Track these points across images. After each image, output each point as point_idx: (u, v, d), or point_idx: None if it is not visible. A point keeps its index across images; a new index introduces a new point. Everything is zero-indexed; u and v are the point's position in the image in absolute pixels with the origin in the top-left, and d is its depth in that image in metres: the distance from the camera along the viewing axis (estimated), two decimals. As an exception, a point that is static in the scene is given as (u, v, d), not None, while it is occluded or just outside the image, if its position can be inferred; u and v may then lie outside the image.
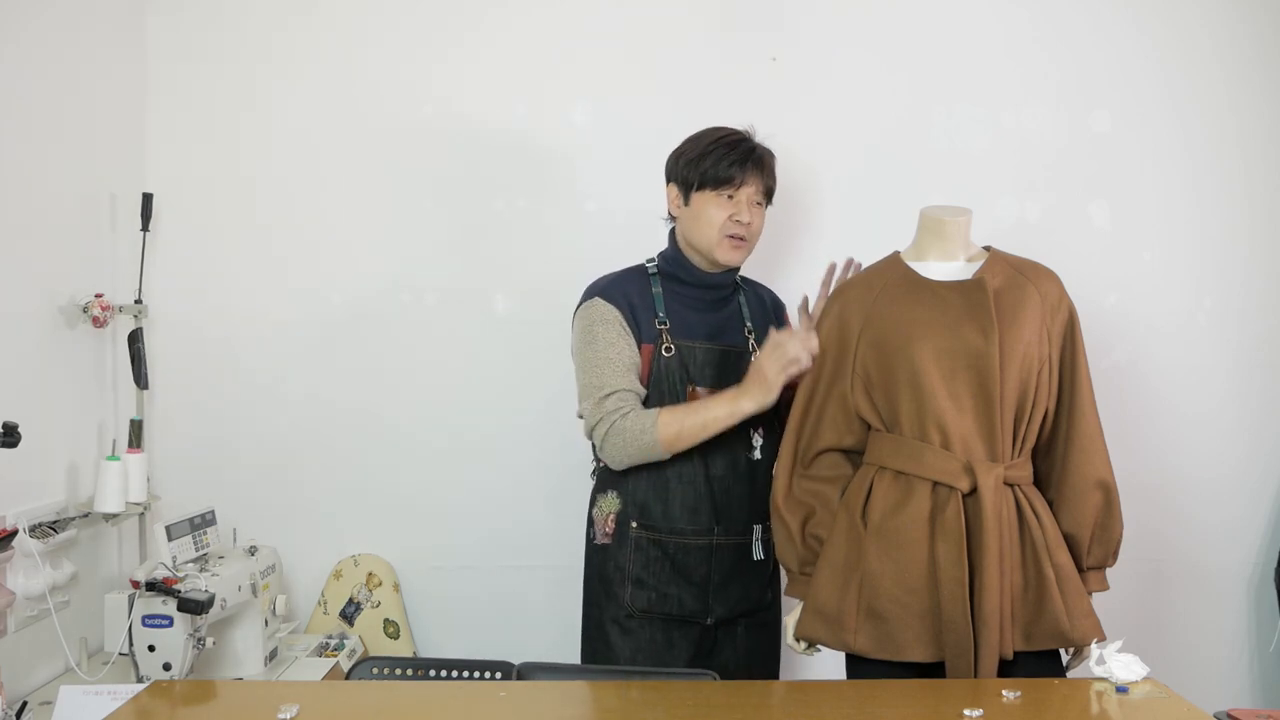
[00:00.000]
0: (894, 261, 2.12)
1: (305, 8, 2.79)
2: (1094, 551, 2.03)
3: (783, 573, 2.20)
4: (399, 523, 2.82)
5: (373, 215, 2.80)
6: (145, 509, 2.59)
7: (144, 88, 2.78)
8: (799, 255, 2.72)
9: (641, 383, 2.22)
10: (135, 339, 2.62)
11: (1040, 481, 2.06)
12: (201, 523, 2.37)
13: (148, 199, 2.64)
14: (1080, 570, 2.02)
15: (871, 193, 2.73)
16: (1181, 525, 2.76)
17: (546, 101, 2.77)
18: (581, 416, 2.24)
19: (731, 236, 2.23)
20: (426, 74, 2.78)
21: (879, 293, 2.07)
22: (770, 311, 2.41)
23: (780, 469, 2.13)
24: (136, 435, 2.56)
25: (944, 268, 2.08)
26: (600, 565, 2.29)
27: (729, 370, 2.25)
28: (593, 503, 2.33)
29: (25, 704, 2.13)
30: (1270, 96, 2.74)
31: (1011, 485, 1.98)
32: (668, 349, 2.23)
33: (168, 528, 2.27)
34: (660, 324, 2.25)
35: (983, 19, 2.75)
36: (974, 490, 1.93)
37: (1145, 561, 2.66)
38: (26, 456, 2.13)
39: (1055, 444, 2.04)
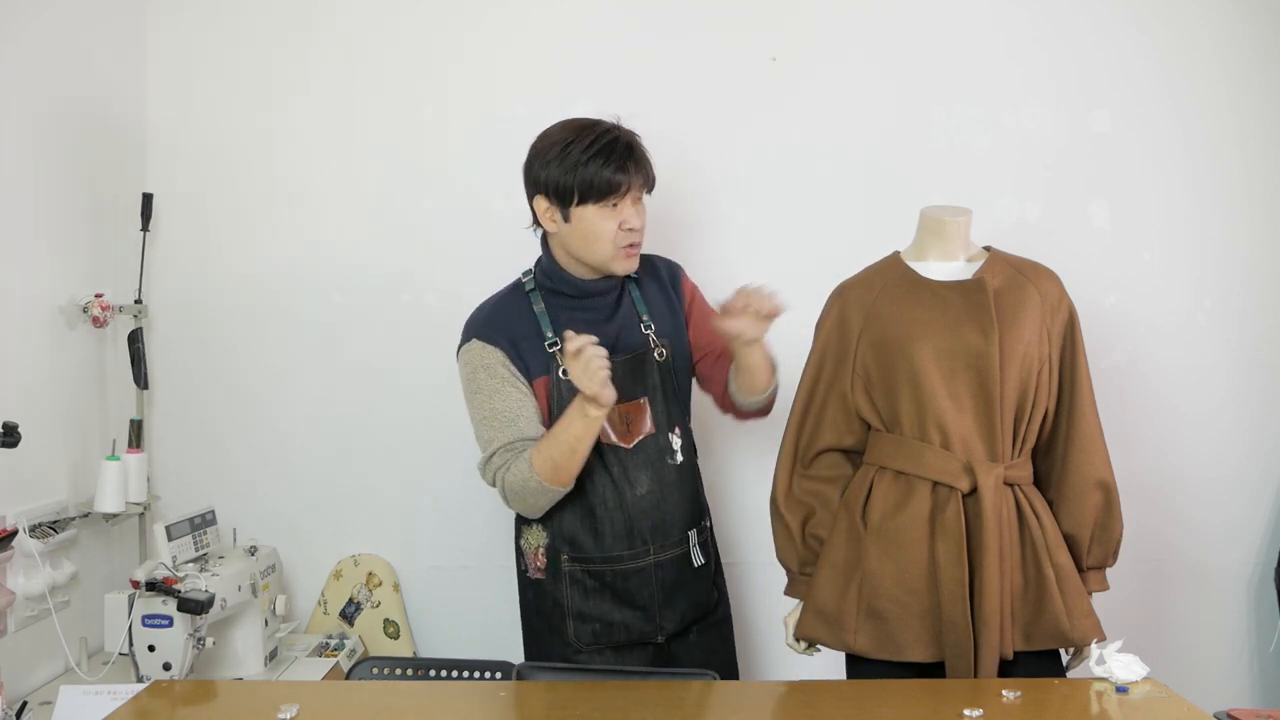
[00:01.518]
0: (894, 261, 2.12)
1: (305, 9, 2.79)
2: (1094, 551, 2.03)
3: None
4: (399, 523, 2.82)
5: (373, 215, 2.79)
6: (145, 509, 2.60)
7: (144, 88, 2.78)
8: (799, 255, 2.72)
9: (543, 421, 2.07)
10: (135, 339, 2.62)
11: (1040, 481, 2.06)
12: (201, 523, 2.37)
13: (148, 199, 2.64)
14: (1080, 570, 2.01)
15: (871, 193, 2.72)
16: (1181, 525, 2.76)
17: (546, 101, 2.76)
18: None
19: (628, 246, 2.07)
20: (426, 74, 2.78)
21: (879, 292, 2.07)
22: (669, 286, 2.23)
23: (780, 469, 2.13)
24: (136, 435, 2.56)
25: (944, 268, 2.08)
26: (537, 602, 2.17)
27: (638, 377, 2.12)
28: (518, 533, 2.20)
29: (25, 704, 2.13)
30: (1270, 96, 2.74)
31: (1011, 485, 1.98)
32: (565, 372, 2.03)
33: (168, 528, 2.27)
34: (551, 347, 2.09)
35: (982, 19, 2.75)
36: (974, 490, 1.93)
37: (1145, 561, 2.66)
38: (26, 456, 2.13)
39: (1055, 444, 2.04)
